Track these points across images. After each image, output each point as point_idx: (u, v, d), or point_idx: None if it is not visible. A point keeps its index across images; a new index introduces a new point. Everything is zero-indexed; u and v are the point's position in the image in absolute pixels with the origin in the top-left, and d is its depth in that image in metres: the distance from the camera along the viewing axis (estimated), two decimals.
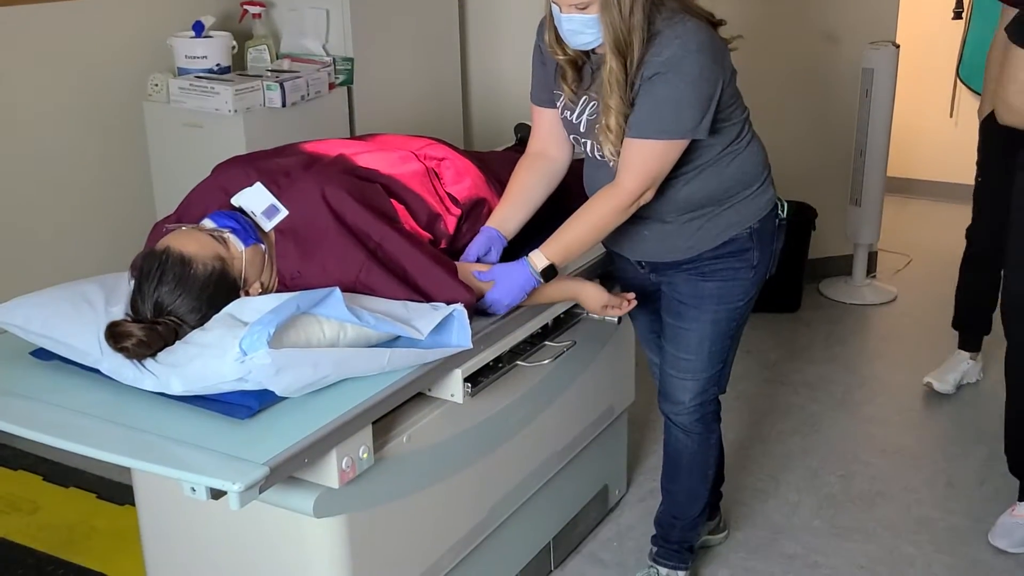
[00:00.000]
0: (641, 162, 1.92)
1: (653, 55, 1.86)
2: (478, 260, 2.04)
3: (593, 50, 1.96)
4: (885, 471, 2.93)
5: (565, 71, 2.00)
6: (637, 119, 1.90)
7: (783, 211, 2.16)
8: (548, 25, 1.98)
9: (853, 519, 2.71)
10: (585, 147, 2.06)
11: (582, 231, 2.00)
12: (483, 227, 2.09)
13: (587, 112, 2.00)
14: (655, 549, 2.42)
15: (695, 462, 2.29)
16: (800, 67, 3.94)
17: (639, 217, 2.03)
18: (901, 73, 3.92)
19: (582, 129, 2.03)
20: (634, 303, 2.07)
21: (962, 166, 5.09)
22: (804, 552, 2.58)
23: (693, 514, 2.35)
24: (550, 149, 2.15)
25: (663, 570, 2.39)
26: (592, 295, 2.05)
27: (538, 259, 1.98)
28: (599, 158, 2.03)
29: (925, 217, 5.02)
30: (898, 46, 3.89)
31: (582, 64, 2.01)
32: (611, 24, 1.83)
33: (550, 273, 1.99)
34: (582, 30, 1.88)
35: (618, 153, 1.95)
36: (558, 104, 2.07)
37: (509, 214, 2.10)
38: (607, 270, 2.37)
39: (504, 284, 1.97)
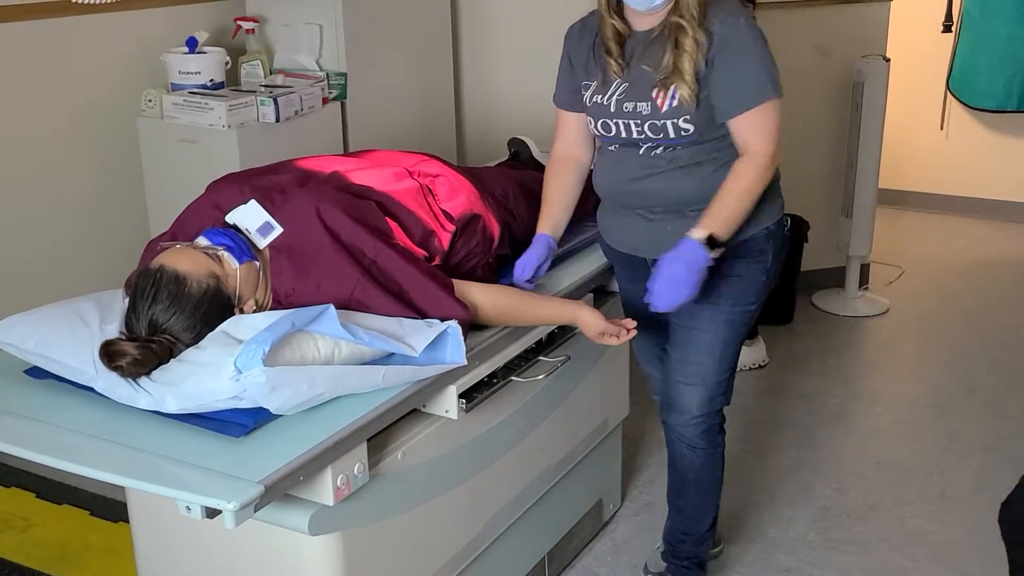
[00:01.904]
0: (760, 128, 1.99)
1: (713, 24, 1.94)
2: (538, 267, 2.11)
3: (634, 28, 2.02)
4: (880, 483, 2.93)
5: (610, 46, 2.04)
6: (731, 95, 1.97)
7: (787, 223, 2.20)
8: None
9: (848, 532, 2.71)
10: (616, 129, 2.06)
11: (732, 201, 1.99)
12: (537, 235, 2.15)
13: (618, 92, 2.04)
14: (666, 566, 2.41)
15: (702, 477, 2.27)
16: (791, 80, 3.93)
17: (663, 213, 2.07)
18: (892, 86, 3.94)
19: (612, 109, 2.05)
20: (633, 332, 2.04)
21: (953, 178, 5.15)
22: (799, 565, 2.58)
23: (702, 529, 2.33)
24: (576, 151, 2.21)
25: None
26: (590, 321, 2.04)
27: (697, 232, 1.96)
28: (633, 137, 2.04)
29: (917, 229, 5.04)
30: (888, 59, 3.91)
31: (625, 41, 2.05)
32: None
33: (713, 243, 1.96)
34: None
35: (674, 129, 1.99)
36: (587, 92, 2.10)
37: (558, 219, 2.17)
38: (600, 285, 2.38)
39: (673, 266, 1.95)
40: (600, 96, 2.08)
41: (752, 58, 1.96)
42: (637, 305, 2.17)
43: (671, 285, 1.96)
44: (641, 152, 2.06)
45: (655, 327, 2.26)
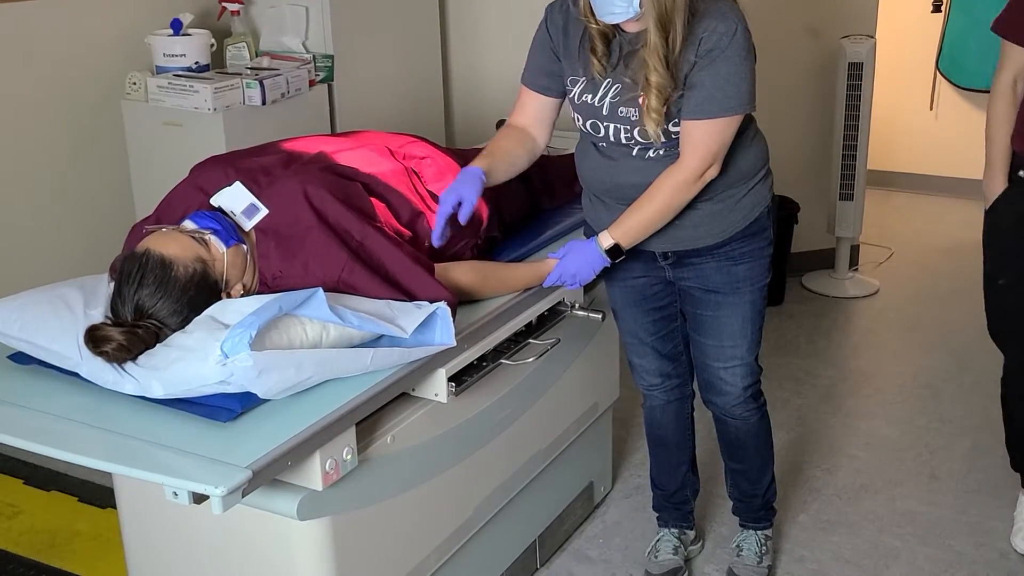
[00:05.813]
0: (705, 141, 1.92)
1: (705, 30, 1.86)
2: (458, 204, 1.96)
3: (620, 28, 1.93)
4: (869, 464, 2.94)
5: (595, 44, 1.96)
6: (700, 99, 1.89)
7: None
8: None
9: (838, 512, 2.72)
10: (605, 131, 2.00)
11: (647, 213, 1.98)
12: (466, 167, 2.02)
13: (611, 94, 1.96)
14: (742, 522, 2.50)
15: (760, 436, 2.35)
16: (779, 61, 3.94)
17: None
18: (881, 67, 3.93)
19: (605, 112, 1.98)
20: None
21: (942, 159, 5.14)
22: (789, 546, 2.59)
23: (770, 477, 2.43)
24: (534, 130, 2.14)
25: (758, 533, 2.47)
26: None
27: (604, 239, 2.01)
28: (623, 142, 1.99)
29: (906, 210, 5.04)
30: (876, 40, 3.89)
31: (611, 39, 1.96)
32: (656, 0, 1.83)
33: (616, 253, 2.01)
34: (615, 2, 1.85)
35: (663, 134, 1.93)
36: (574, 88, 2.02)
37: (493, 167, 2.05)
38: None
39: (577, 257, 2.02)
40: (590, 96, 1.99)
41: (733, 69, 1.88)
42: (632, 292, 2.20)
43: (570, 267, 2.04)
44: (634, 154, 2.00)
45: (646, 313, 2.25)
